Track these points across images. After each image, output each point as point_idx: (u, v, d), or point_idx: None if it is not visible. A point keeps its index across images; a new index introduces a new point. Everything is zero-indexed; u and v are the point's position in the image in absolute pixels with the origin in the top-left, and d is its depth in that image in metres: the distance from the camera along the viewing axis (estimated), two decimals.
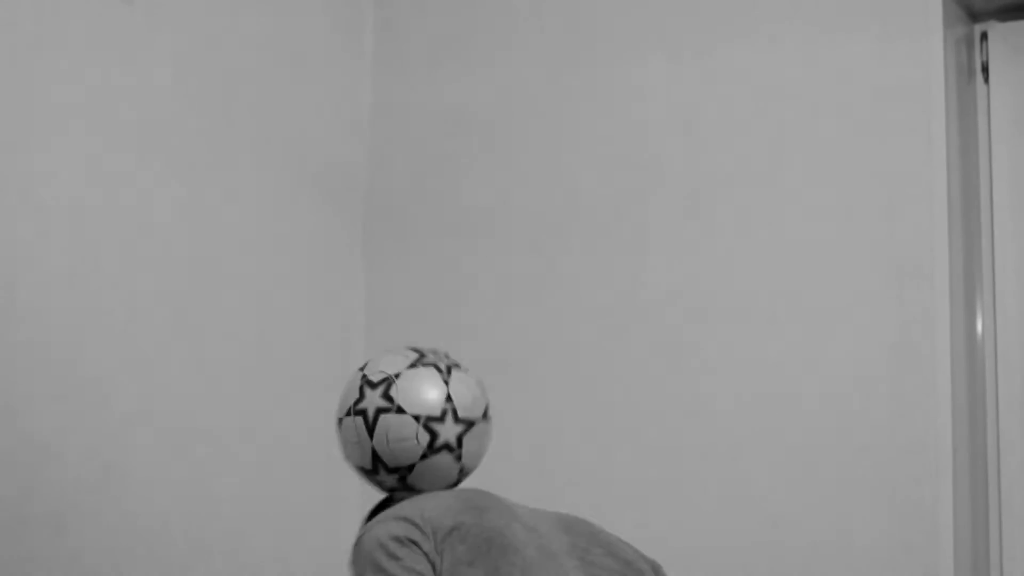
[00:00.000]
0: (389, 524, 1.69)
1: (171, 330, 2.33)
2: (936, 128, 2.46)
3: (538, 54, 2.83)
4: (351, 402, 1.84)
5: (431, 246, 2.86)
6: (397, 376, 1.82)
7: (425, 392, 1.82)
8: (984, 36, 2.62)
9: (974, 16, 2.65)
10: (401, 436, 1.79)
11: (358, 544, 1.71)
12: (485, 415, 1.87)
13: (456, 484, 1.86)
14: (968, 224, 2.59)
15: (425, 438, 1.80)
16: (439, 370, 1.86)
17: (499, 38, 2.86)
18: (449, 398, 1.83)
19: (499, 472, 2.72)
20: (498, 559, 1.69)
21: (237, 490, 2.45)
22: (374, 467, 1.82)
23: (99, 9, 2.22)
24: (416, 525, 1.69)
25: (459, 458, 1.83)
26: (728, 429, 2.54)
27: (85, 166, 2.17)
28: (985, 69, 2.61)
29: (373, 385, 1.83)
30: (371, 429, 1.81)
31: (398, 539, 1.67)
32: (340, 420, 1.86)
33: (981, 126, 2.61)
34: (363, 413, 1.81)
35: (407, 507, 1.74)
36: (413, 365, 1.84)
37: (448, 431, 1.82)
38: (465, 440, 1.83)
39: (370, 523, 1.74)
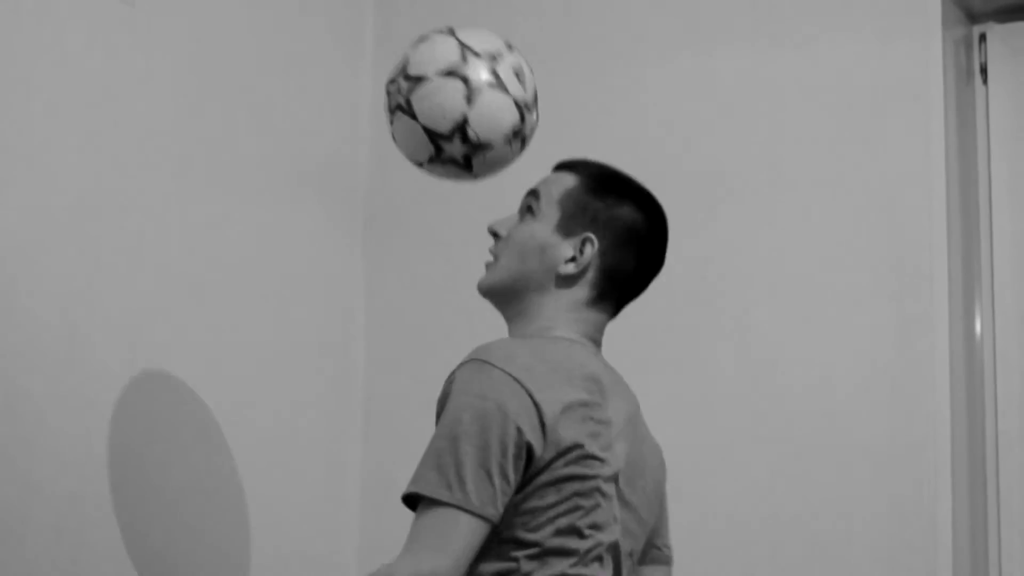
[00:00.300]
0: (523, 405, 1.56)
1: (172, 331, 2.33)
2: (935, 129, 2.47)
3: (538, 55, 2.80)
4: (444, 64, 1.70)
5: (431, 247, 2.85)
6: (501, 55, 1.73)
7: (525, 79, 1.75)
8: (983, 37, 2.63)
9: (973, 18, 2.66)
10: (500, 114, 1.71)
11: (473, 379, 1.59)
12: None
13: None
14: (967, 225, 2.60)
15: (517, 123, 1.75)
16: (526, 62, 1.78)
17: None
18: (536, 93, 1.78)
19: None
20: (580, 500, 1.61)
21: (240, 491, 2.45)
22: (449, 135, 1.71)
23: (100, 11, 2.22)
24: (544, 428, 1.56)
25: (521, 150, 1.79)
26: (727, 429, 2.54)
27: (85, 168, 2.17)
28: (984, 70, 2.62)
29: (477, 55, 1.72)
30: (470, 98, 1.70)
31: (520, 432, 1.55)
32: (422, 78, 1.69)
33: (980, 127, 2.62)
34: (465, 80, 1.70)
35: (545, 386, 1.59)
36: (508, 48, 1.76)
37: (530, 125, 1.78)
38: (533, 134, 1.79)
39: (512, 373, 1.59)
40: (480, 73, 1.69)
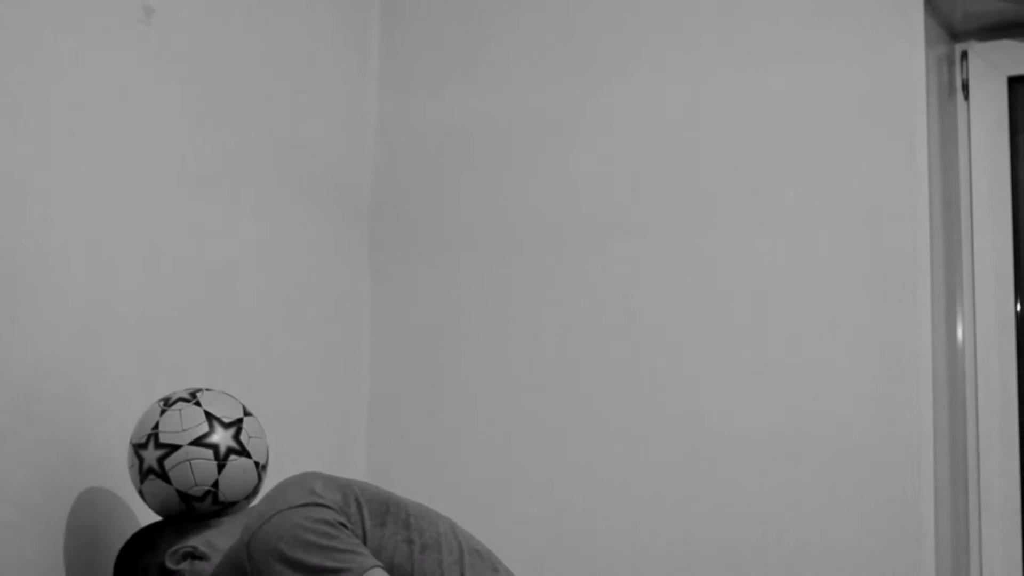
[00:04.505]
0: (306, 510, 1.66)
1: (181, 335, 2.35)
2: (918, 144, 2.49)
3: (539, 71, 2.85)
4: (195, 434, 1.91)
5: (435, 258, 2.87)
6: (242, 422, 1.97)
7: (261, 443, 1.99)
8: (964, 55, 2.66)
9: (955, 35, 2.68)
10: (244, 477, 1.95)
11: (262, 533, 1.66)
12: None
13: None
14: (949, 236, 2.62)
15: (256, 483, 1.98)
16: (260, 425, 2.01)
17: (501, 56, 2.89)
18: (267, 453, 2.03)
19: (499, 473, 2.77)
20: (399, 512, 1.75)
21: None
22: (201, 497, 1.92)
23: (116, 25, 2.23)
24: (327, 506, 1.67)
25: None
26: (717, 432, 2.57)
27: (99, 178, 2.18)
28: (965, 87, 2.65)
29: (223, 424, 1.94)
30: (221, 467, 1.92)
31: (327, 522, 1.65)
32: (176, 447, 1.90)
33: (961, 142, 2.64)
34: (215, 448, 1.92)
35: (295, 492, 1.70)
36: (246, 414, 1.99)
37: (263, 481, 1.99)
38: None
39: (270, 512, 1.68)
40: (227, 441, 1.92)
